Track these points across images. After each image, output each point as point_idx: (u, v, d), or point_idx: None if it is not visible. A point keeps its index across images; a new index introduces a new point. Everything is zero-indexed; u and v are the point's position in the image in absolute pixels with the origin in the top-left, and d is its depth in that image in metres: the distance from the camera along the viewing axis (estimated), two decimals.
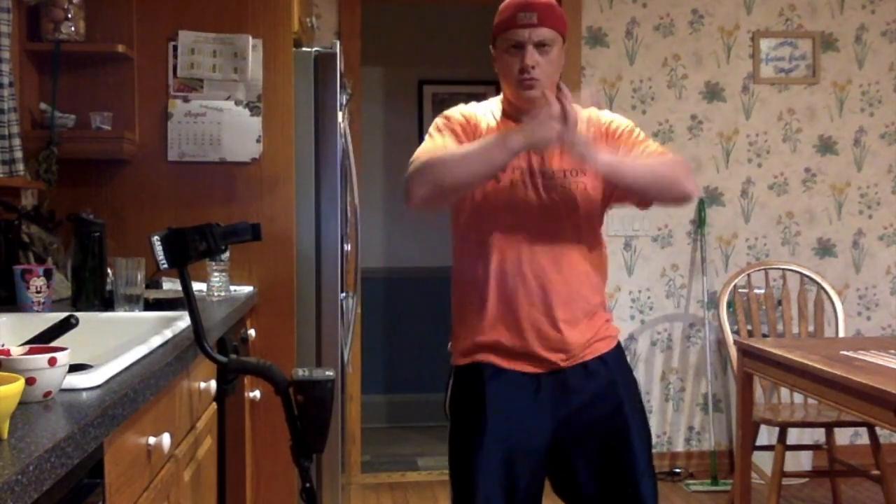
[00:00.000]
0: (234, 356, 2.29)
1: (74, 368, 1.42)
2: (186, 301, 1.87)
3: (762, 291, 4.00)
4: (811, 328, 3.91)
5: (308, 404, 1.96)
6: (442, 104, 5.52)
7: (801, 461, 4.24)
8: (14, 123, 2.67)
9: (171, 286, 2.84)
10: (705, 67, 4.50)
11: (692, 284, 4.52)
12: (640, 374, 4.51)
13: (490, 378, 2.10)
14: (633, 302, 4.50)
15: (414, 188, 1.99)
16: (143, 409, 1.57)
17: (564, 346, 2.10)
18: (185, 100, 3.14)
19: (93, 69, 3.06)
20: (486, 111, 2.18)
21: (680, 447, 4.55)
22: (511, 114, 2.14)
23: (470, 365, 2.14)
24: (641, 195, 2.08)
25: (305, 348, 3.26)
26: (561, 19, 2.09)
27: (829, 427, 3.73)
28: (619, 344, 2.22)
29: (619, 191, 2.11)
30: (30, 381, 1.26)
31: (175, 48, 3.13)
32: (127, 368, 1.57)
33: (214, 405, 2.40)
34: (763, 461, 3.68)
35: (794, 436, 3.74)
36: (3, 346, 1.46)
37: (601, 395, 2.13)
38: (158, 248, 1.82)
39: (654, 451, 4.47)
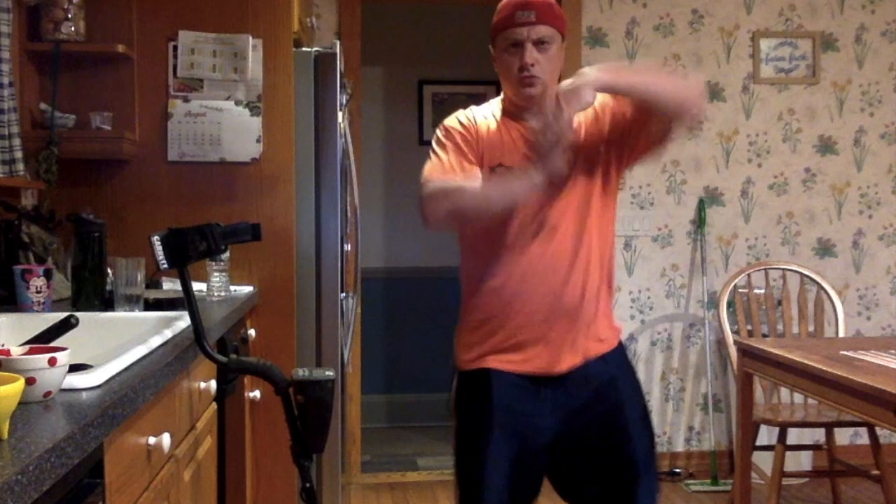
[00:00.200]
0: (234, 356, 2.29)
1: (74, 368, 1.42)
2: (186, 301, 1.87)
3: (762, 291, 4.00)
4: (811, 328, 3.91)
5: (308, 404, 1.96)
6: (442, 104, 5.53)
7: (801, 461, 4.24)
8: (14, 123, 2.67)
9: (171, 286, 2.84)
10: (705, 67, 4.50)
11: (692, 284, 4.52)
12: (640, 374, 4.48)
13: (496, 380, 2.11)
14: (633, 302, 4.50)
15: (430, 213, 2.03)
16: (143, 409, 1.57)
17: (568, 350, 2.11)
18: (185, 100, 3.14)
19: (93, 69, 3.06)
20: (486, 113, 2.18)
21: (680, 447, 4.55)
22: (512, 112, 2.15)
23: (476, 370, 2.15)
24: (652, 104, 2.00)
25: (305, 348, 3.26)
26: (559, 17, 2.10)
27: (829, 427, 3.73)
28: (620, 343, 2.22)
29: (629, 125, 2.07)
30: (30, 381, 1.26)
31: (175, 48, 3.13)
32: (127, 368, 1.57)
33: (214, 405, 2.40)
34: (763, 461, 3.67)
35: (794, 436, 3.74)
36: (3, 346, 1.46)
37: (602, 396, 2.13)
38: (158, 248, 1.82)
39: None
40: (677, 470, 4.45)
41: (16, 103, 2.69)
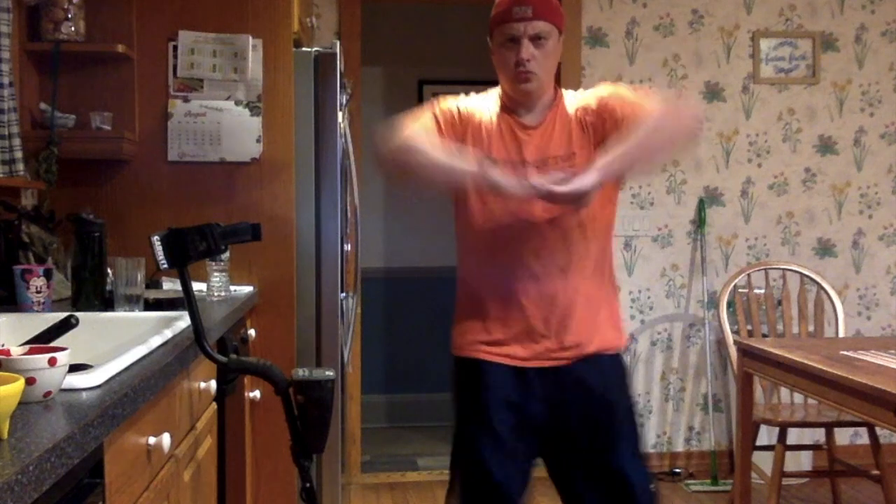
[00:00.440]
0: (234, 356, 2.29)
1: (74, 368, 1.42)
2: (186, 301, 1.87)
3: (762, 291, 4.00)
4: (811, 328, 3.91)
5: (308, 404, 1.96)
6: None
7: (801, 461, 4.24)
8: (14, 123, 2.67)
9: (171, 286, 2.84)
10: (705, 67, 4.50)
11: (692, 284, 4.52)
12: (640, 374, 4.51)
13: (487, 369, 2.14)
14: (633, 302, 4.50)
15: (386, 161, 2.08)
16: (143, 409, 1.57)
17: (559, 347, 2.12)
18: (185, 100, 3.14)
19: (93, 69, 3.06)
20: (485, 105, 2.18)
21: (680, 447, 4.55)
22: (509, 107, 2.15)
23: (468, 358, 2.17)
24: (659, 163, 2.10)
25: (305, 348, 3.26)
26: (556, 12, 2.09)
27: (829, 427, 3.73)
28: (619, 349, 2.22)
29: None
30: (30, 381, 1.26)
31: (175, 48, 3.13)
32: (127, 368, 1.57)
33: (214, 405, 2.40)
34: (763, 461, 3.67)
35: (794, 436, 3.74)
36: (3, 346, 1.46)
37: (591, 390, 2.15)
38: (158, 248, 1.82)
39: (653, 451, 4.45)
40: (677, 470, 4.45)
41: (16, 103, 2.69)
